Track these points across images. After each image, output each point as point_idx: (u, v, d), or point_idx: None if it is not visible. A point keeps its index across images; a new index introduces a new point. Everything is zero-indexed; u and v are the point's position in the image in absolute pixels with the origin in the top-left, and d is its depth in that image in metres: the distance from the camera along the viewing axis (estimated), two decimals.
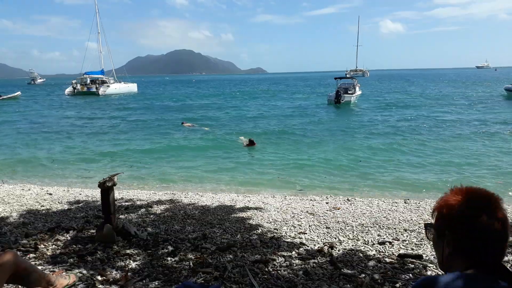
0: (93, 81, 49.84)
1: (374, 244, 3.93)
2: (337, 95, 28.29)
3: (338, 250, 3.72)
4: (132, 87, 55.87)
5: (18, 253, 3.07)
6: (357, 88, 31.44)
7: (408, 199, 6.69)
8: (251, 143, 12.74)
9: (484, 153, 11.53)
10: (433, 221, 1.29)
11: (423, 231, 1.36)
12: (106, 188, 3.68)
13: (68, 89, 49.80)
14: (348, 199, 6.50)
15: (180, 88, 72.32)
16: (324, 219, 4.95)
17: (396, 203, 6.24)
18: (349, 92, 29.86)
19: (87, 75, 50.20)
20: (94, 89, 48.05)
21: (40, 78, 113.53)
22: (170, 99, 42.51)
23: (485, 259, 1.15)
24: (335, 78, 31.83)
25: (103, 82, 50.56)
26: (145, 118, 23.95)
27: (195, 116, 24.12)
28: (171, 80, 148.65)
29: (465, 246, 1.17)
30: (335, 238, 4.12)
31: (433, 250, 1.31)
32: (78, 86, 48.85)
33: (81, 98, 44.26)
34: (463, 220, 1.16)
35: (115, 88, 51.27)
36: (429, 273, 3.16)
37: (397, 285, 2.93)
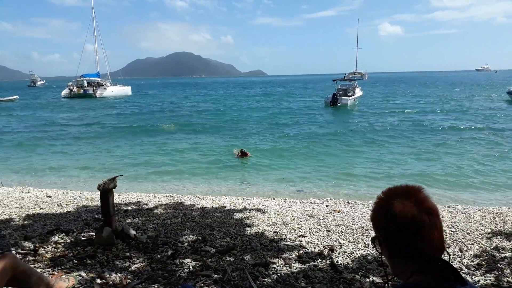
0: (89, 84, 49.84)
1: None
2: (333, 97, 28.51)
3: (339, 253, 3.71)
4: (127, 90, 56.35)
5: (17, 256, 3.05)
6: (357, 90, 31.67)
7: None
8: (243, 154, 12.33)
9: (491, 159, 11.37)
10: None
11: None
12: (106, 191, 3.67)
13: (65, 91, 49.66)
14: (348, 202, 6.49)
15: (177, 91, 72.29)
16: (324, 222, 4.94)
17: None
18: (348, 94, 30.05)
19: (84, 78, 50.24)
20: (90, 92, 48.03)
21: (40, 80, 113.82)
22: (165, 103, 42.13)
23: (421, 255, 1.04)
24: (334, 80, 32.18)
25: (99, 84, 50.61)
26: (141, 122, 23.65)
27: (186, 121, 23.68)
28: (169, 83, 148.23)
29: (394, 243, 1.09)
30: (335, 241, 4.11)
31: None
32: (75, 89, 48.82)
33: (77, 100, 44.15)
34: (378, 211, 1.13)
35: (112, 90, 51.45)
36: None
37: None
